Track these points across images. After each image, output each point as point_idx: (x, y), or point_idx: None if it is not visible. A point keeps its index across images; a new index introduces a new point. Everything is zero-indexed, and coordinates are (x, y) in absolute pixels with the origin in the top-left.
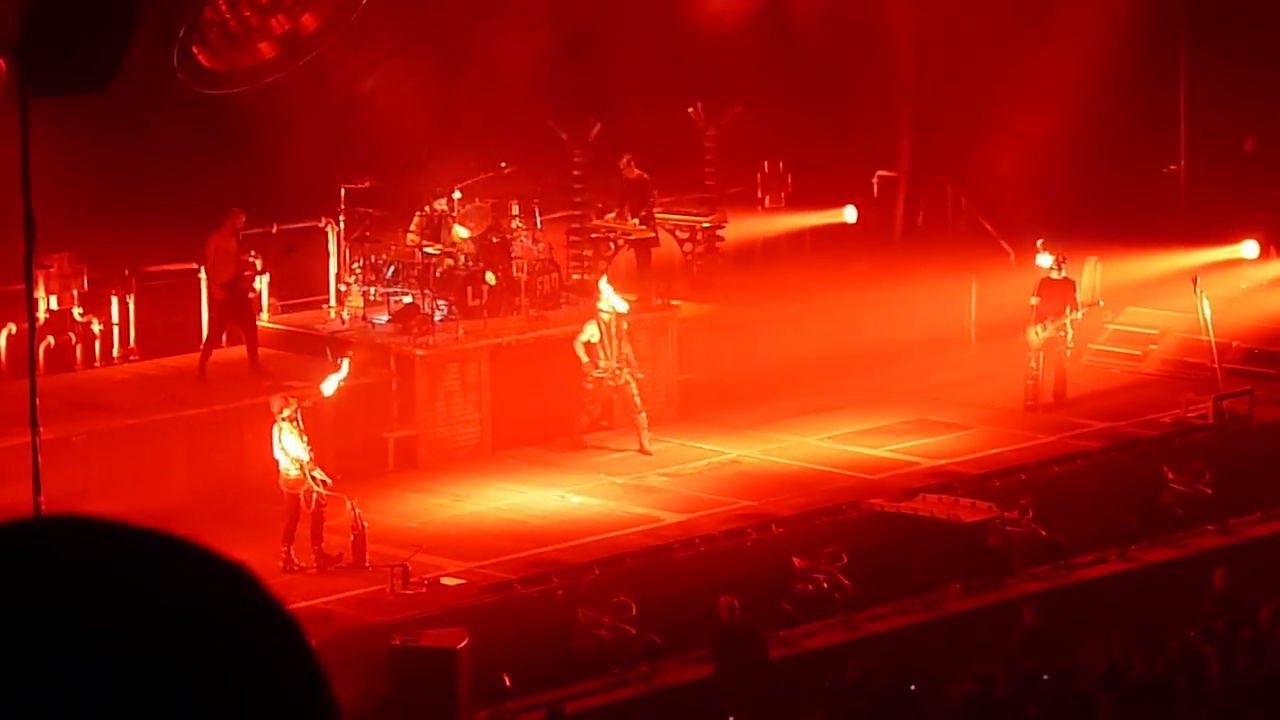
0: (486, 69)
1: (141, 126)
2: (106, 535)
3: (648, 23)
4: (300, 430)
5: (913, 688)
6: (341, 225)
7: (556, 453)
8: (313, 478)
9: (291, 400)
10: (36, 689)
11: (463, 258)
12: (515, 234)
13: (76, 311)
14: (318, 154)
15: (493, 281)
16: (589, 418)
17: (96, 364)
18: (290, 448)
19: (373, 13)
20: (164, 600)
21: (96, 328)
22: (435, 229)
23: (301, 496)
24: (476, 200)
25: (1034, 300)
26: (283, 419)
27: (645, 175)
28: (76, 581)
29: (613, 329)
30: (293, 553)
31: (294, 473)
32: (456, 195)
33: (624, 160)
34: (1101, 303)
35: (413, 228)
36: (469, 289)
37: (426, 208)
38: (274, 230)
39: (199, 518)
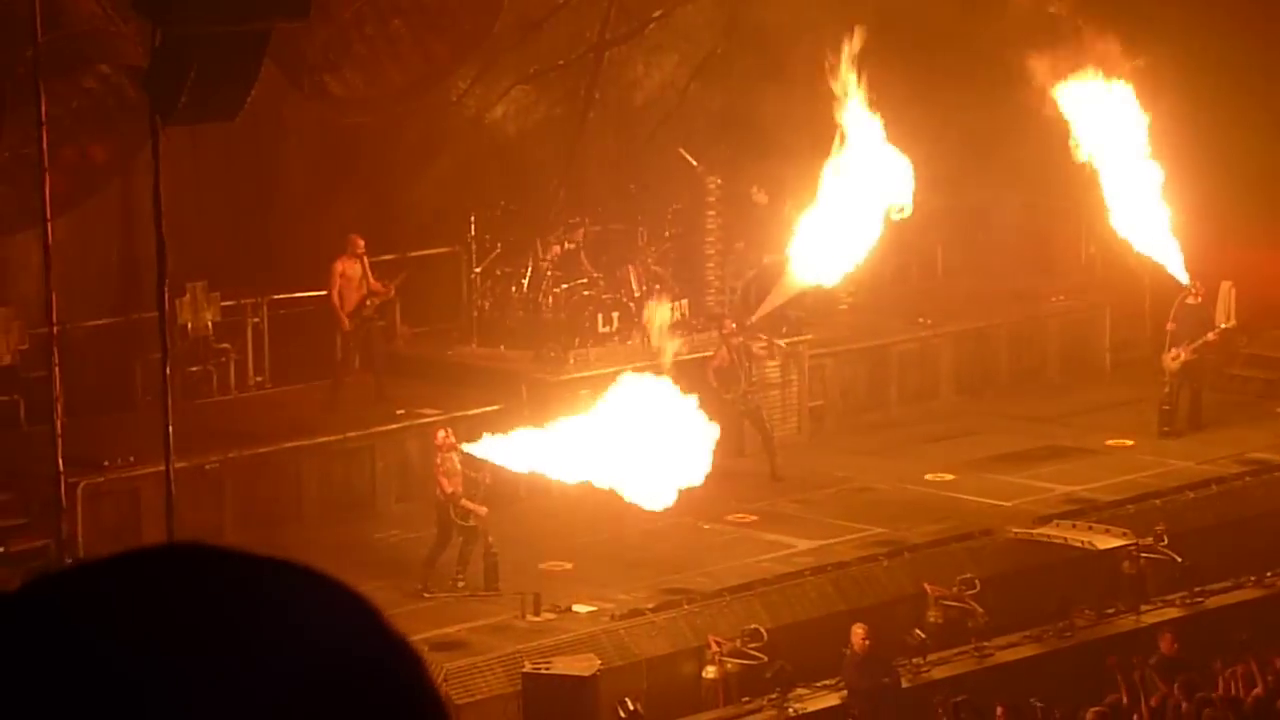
0: (617, 95)
1: (272, 154)
2: (226, 563)
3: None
4: (454, 461)
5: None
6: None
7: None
8: (462, 509)
9: (442, 434)
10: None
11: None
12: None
13: (210, 339)
14: (448, 181)
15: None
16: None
17: (231, 392)
18: (440, 480)
19: (502, 40)
20: (282, 632)
21: (230, 355)
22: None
23: (453, 524)
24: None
25: (1170, 325)
26: (444, 448)
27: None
28: (194, 611)
29: (741, 354)
30: (430, 581)
31: (443, 501)
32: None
33: (754, 189)
34: (1226, 324)
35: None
36: (599, 316)
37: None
38: (400, 257)
39: (331, 545)
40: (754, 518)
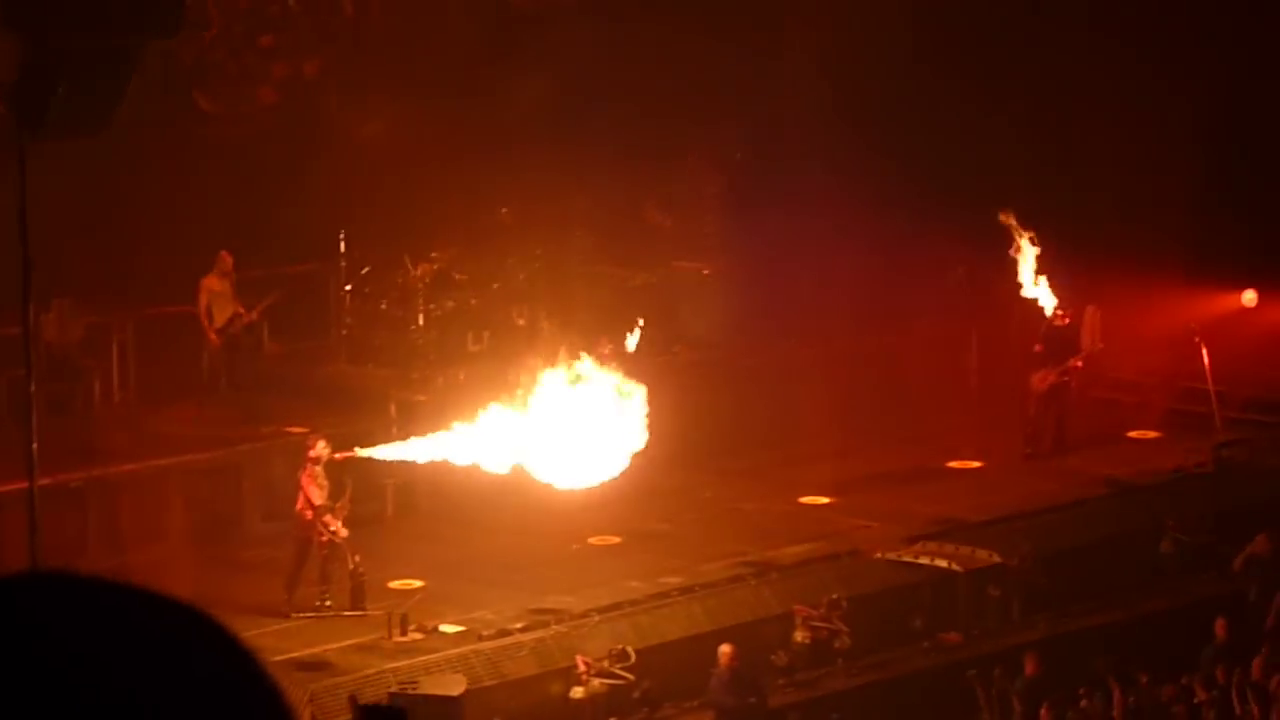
0: (490, 113)
1: (141, 169)
2: (82, 592)
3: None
4: (322, 475)
5: None
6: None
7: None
8: (325, 524)
9: (320, 444)
10: None
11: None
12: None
13: (75, 355)
14: (318, 198)
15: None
16: None
17: (96, 409)
18: (309, 491)
19: (376, 58)
20: (135, 658)
21: (95, 372)
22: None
23: (312, 540)
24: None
25: (1038, 347)
26: (309, 460)
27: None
28: (47, 641)
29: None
30: (294, 599)
31: (308, 515)
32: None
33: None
34: (1100, 346)
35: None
36: (469, 335)
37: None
38: (269, 274)
39: (197, 564)
40: (617, 539)
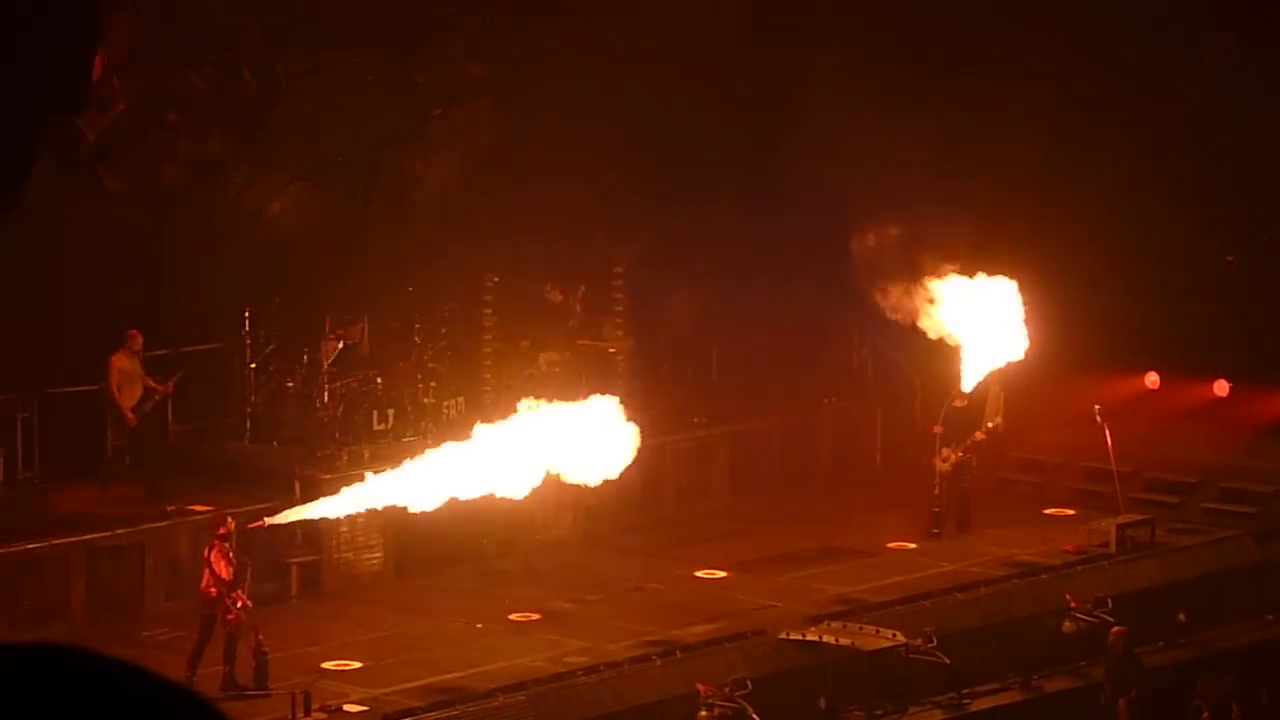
0: (396, 193)
1: (45, 247)
2: (76, 666)
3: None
4: (231, 552)
5: None
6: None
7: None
8: (232, 601)
9: (230, 521)
10: None
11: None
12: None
13: None
14: (224, 276)
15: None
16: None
17: None
18: (218, 568)
19: (281, 135)
20: None
21: None
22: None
23: (218, 618)
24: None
25: (938, 429)
26: (218, 538)
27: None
28: (58, 711)
29: None
30: (197, 677)
31: (214, 592)
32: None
33: (547, 287)
34: (993, 424)
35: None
36: (375, 413)
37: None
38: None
39: (99, 643)
40: (537, 616)
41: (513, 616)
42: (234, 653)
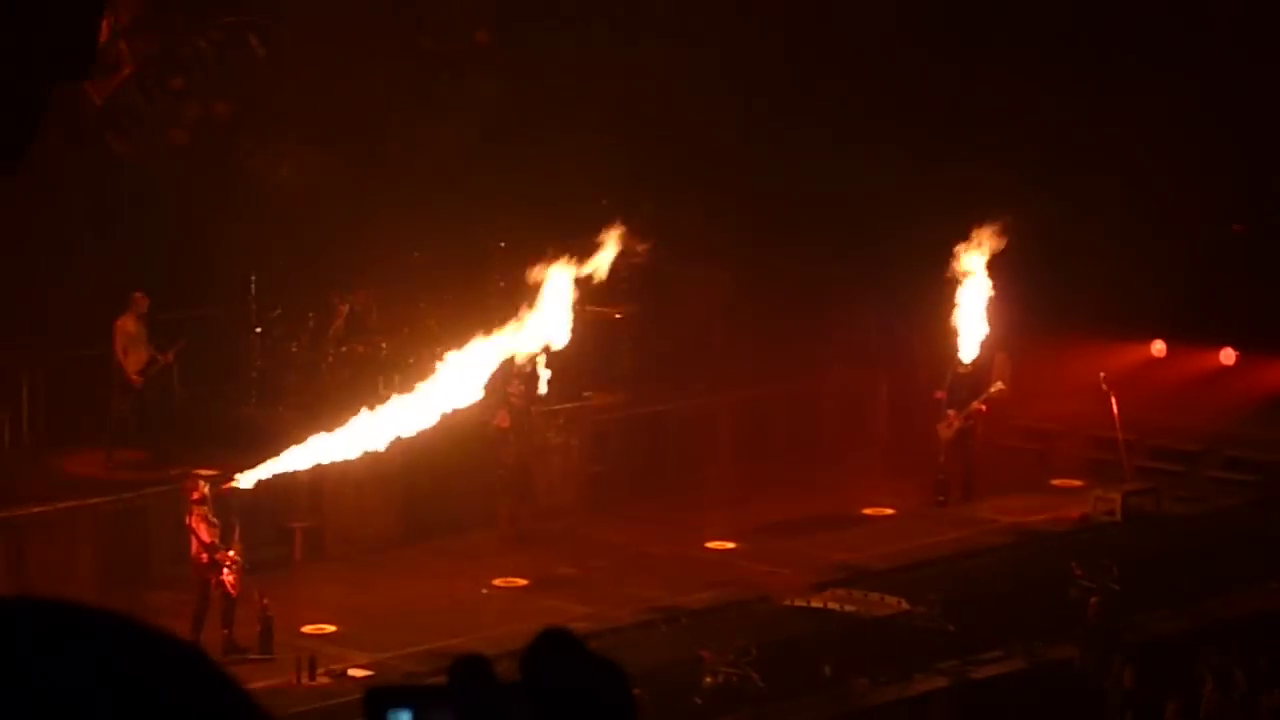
0: (403, 158)
1: (52, 211)
2: (63, 617)
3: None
4: (210, 514)
5: None
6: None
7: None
8: (222, 561)
9: (203, 484)
10: None
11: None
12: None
13: None
14: (231, 240)
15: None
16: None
17: (4, 450)
18: (200, 532)
19: (289, 101)
20: (120, 682)
21: (3, 414)
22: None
23: (212, 582)
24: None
25: (941, 394)
26: (194, 503)
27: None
28: (33, 662)
29: (521, 416)
30: (200, 641)
31: (205, 558)
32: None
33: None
34: (994, 390)
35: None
36: (380, 379)
37: (345, 306)
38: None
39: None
40: (524, 581)
41: (519, 582)
42: (233, 616)
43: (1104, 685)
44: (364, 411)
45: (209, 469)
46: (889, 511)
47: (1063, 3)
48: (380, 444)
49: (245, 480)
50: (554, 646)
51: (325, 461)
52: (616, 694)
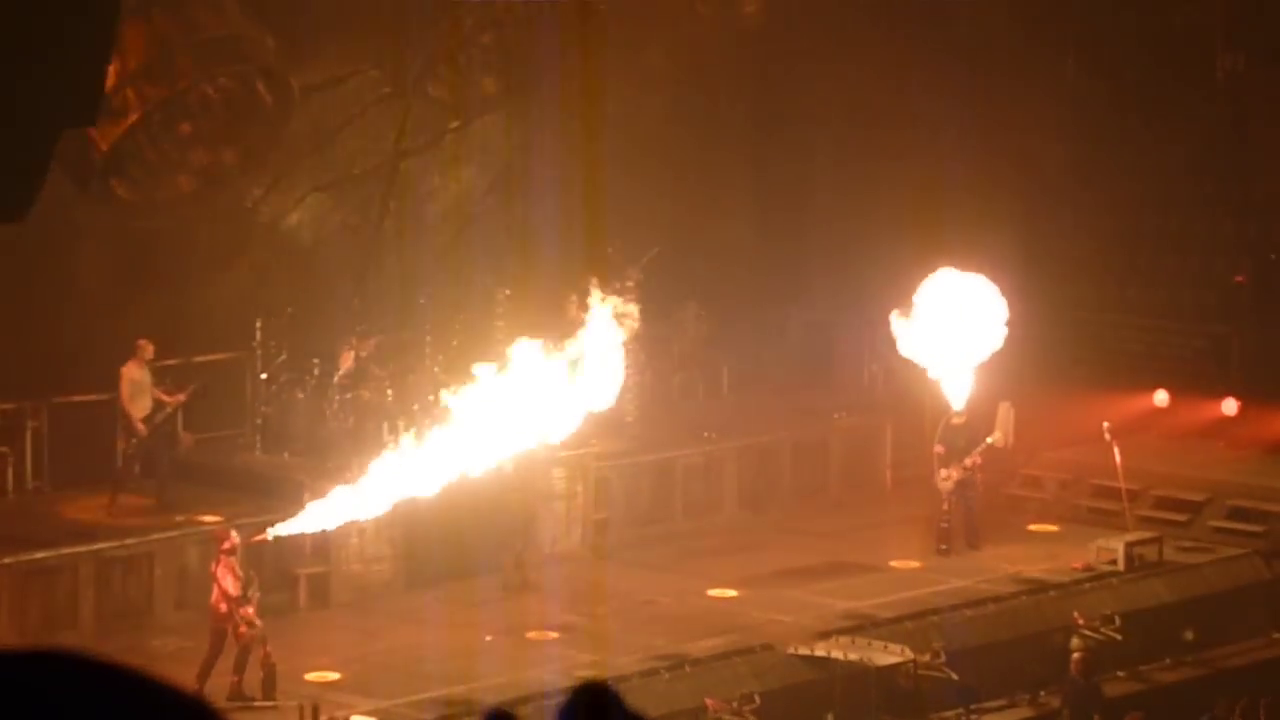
0: (412, 206)
1: (58, 257)
2: (86, 672)
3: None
4: (237, 567)
5: None
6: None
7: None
8: (242, 615)
9: (234, 535)
10: None
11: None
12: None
13: None
14: (240, 287)
15: None
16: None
17: (9, 495)
18: (225, 583)
19: (298, 147)
20: None
21: (9, 458)
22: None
23: (228, 631)
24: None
25: (938, 448)
26: (223, 552)
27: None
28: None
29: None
30: (206, 688)
31: (223, 608)
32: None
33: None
34: (991, 440)
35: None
36: (386, 425)
37: (350, 352)
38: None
39: (108, 652)
40: (549, 631)
41: (523, 631)
42: (245, 663)
43: None
44: (398, 461)
45: (212, 515)
46: (893, 560)
47: (1065, 53)
48: (418, 493)
49: (277, 533)
50: (592, 701)
51: (364, 517)
52: None
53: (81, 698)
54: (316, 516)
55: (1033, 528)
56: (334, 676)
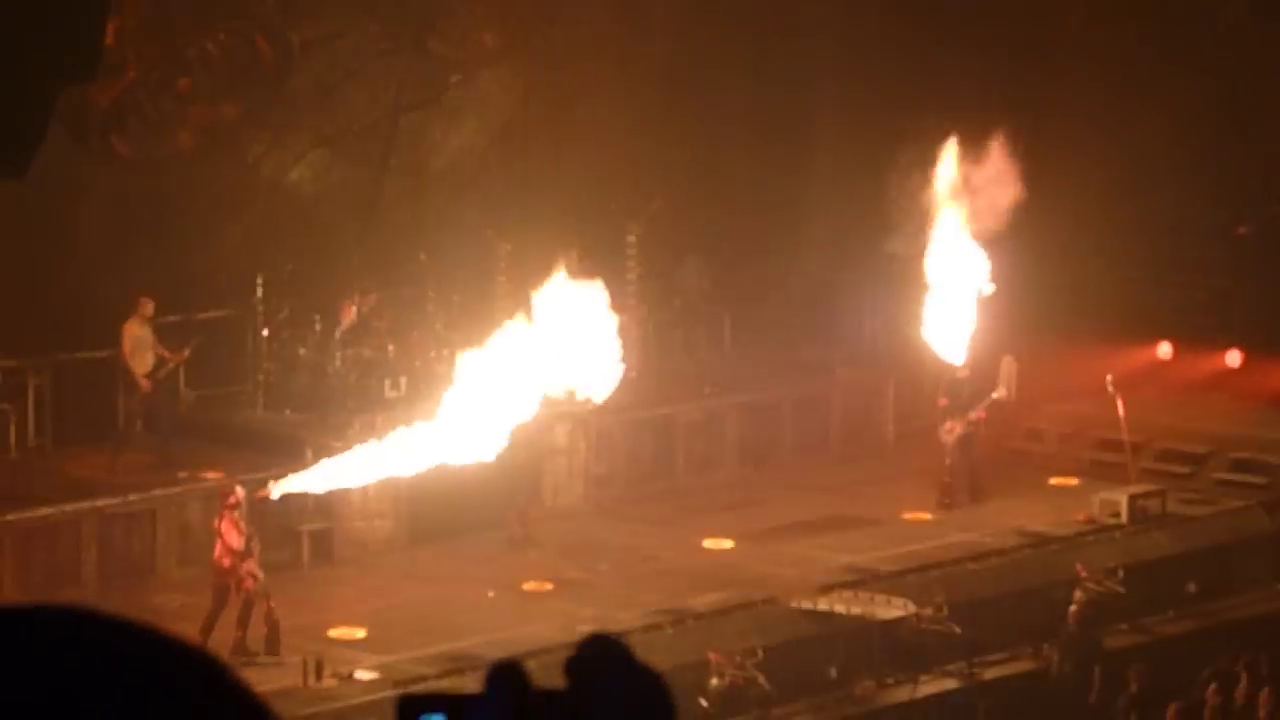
0: (414, 160)
1: (58, 214)
2: (96, 628)
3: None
4: (242, 521)
5: None
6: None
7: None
8: (246, 570)
9: (239, 490)
10: None
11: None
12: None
13: None
14: (243, 243)
15: None
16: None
17: (11, 452)
18: (229, 538)
19: (299, 102)
20: (151, 697)
21: (10, 416)
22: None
23: (230, 587)
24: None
25: (942, 401)
26: (228, 507)
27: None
28: (70, 674)
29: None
30: (210, 644)
31: (227, 562)
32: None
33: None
34: (996, 395)
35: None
36: (387, 381)
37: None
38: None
39: (111, 608)
40: (548, 585)
41: (525, 585)
42: (248, 618)
43: (1084, 696)
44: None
45: (214, 472)
46: (896, 514)
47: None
48: (424, 465)
49: (280, 489)
50: (600, 653)
51: (371, 479)
52: (660, 704)
53: (87, 653)
54: (321, 475)
55: (1054, 481)
56: (337, 632)
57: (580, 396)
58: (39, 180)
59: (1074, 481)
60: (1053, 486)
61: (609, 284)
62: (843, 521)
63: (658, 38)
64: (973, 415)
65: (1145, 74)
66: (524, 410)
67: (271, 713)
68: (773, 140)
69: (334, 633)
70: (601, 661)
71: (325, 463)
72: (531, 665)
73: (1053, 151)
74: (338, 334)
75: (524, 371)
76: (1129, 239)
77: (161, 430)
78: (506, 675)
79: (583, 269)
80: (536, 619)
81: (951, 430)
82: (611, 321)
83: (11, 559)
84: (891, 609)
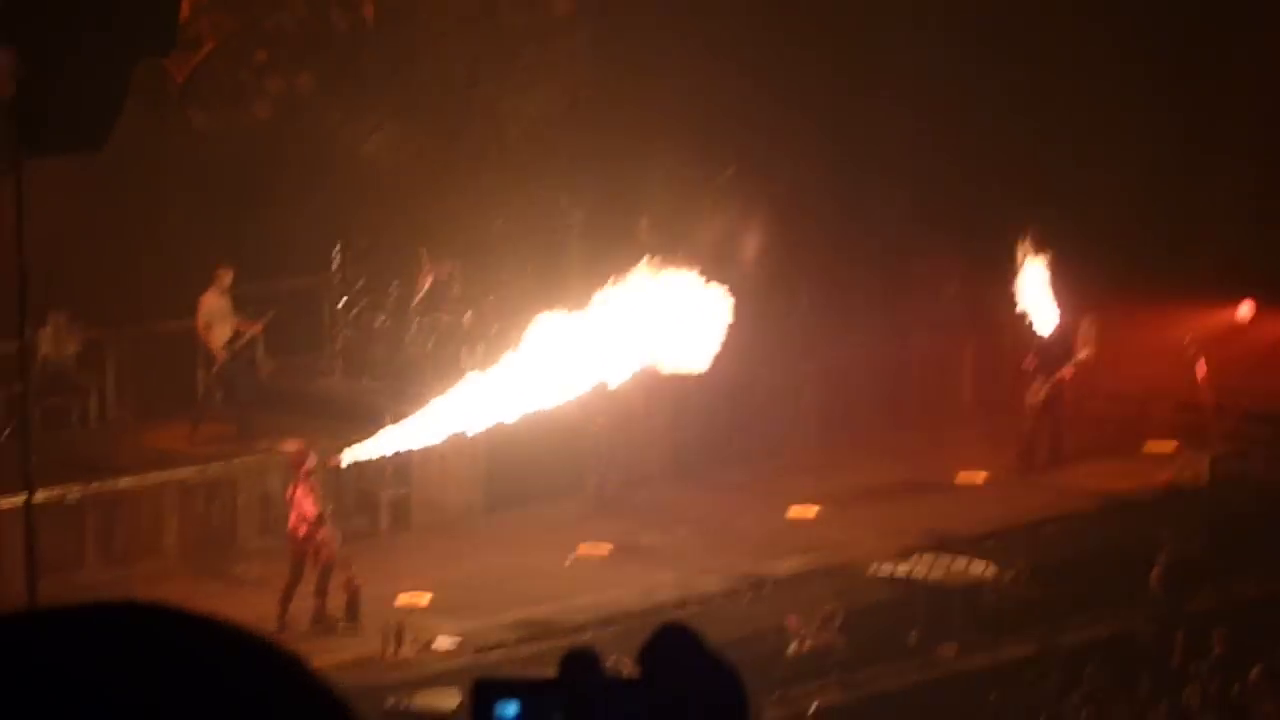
0: (489, 130)
1: (137, 185)
2: (165, 623)
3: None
4: (317, 487)
5: None
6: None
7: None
8: (322, 537)
9: (313, 457)
10: None
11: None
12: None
13: (71, 370)
14: (319, 213)
15: None
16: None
17: (92, 424)
18: (305, 505)
19: (375, 73)
20: (224, 691)
21: (92, 387)
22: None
23: (308, 555)
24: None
25: (1029, 362)
26: (303, 475)
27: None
28: (137, 671)
29: None
30: (289, 613)
31: (303, 530)
32: None
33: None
34: (1083, 356)
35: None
36: (464, 349)
37: (429, 276)
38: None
39: (191, 578)
40: (629, 551)
41: (604, 551)
42: (326, 586)
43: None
44: (467, 385)
45: (296, 441)
46: (975, 478)
47: None
48: (496, 421)
49: (349, 456)
50: (673, 643)
51: (440, 441)
52: (733, 695)
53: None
54: (388, 439)
55: (1135, 444)
56: (417, 599)
57: (675, 367)
58: (116, 153)
59: (1156, 444)
60: (1134, 449)
61: (682, 252)
62: (922, 485)
63: (730, 3)
64: (1060, 374)
65: (1216, 30)
66: (609, 376)
67: (347, 704)
68: (849, 99)
69: (412, 599)
70: (675, 650)
71: (391, 428)
72: (611, 634)
73: (1126, 112)
74: (414, 302)
75: (612, 338)
76: (1210, 195)
77: (240, 400)
78: (580, 662)
79: (652, 238)
80: (616, 585)
81: (1037, 391)
82: (720, 294)
83: (94, 530)
84: (972, 573)
